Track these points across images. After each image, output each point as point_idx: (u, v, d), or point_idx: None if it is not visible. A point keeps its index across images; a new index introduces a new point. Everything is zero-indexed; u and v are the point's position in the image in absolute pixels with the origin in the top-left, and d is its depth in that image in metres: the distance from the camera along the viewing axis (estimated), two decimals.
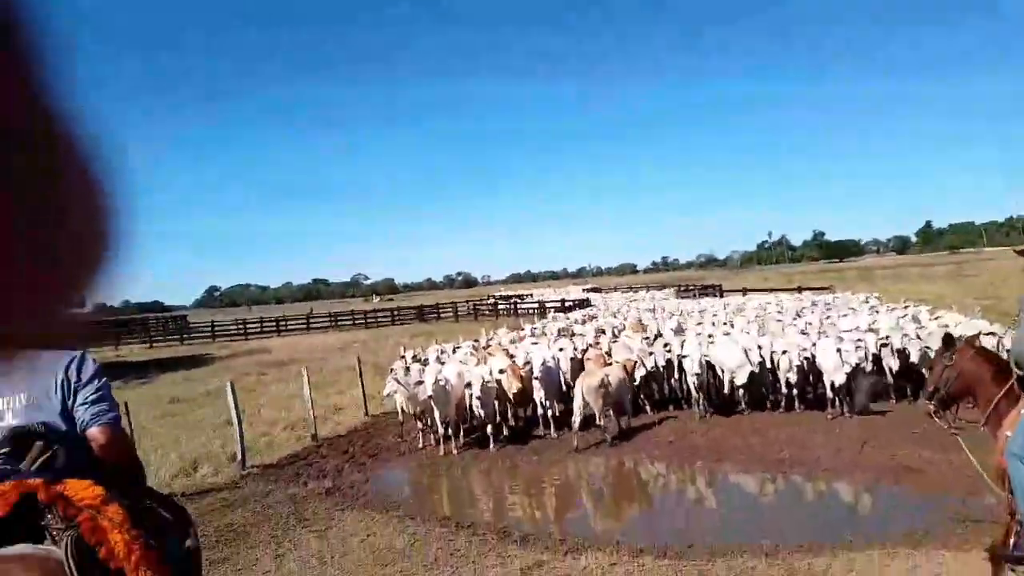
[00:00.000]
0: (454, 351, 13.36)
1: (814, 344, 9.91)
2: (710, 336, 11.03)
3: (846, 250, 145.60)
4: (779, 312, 16.06)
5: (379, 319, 42.41)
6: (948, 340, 4.19)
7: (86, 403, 2.47)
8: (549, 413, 9.94)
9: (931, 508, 6.24)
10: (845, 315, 13.71)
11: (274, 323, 40.93)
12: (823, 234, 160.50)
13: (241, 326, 40.31)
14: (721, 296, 35.22)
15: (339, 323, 42.20)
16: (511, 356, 10.67)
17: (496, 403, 10.15)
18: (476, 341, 15.18)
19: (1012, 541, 3.67)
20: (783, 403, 10.03)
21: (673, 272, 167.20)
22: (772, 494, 7.30)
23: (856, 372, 9.40)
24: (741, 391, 10.02)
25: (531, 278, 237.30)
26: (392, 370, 10.72)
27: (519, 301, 43.50)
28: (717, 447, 8.75)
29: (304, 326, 41.27)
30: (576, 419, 9.22)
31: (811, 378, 10.19)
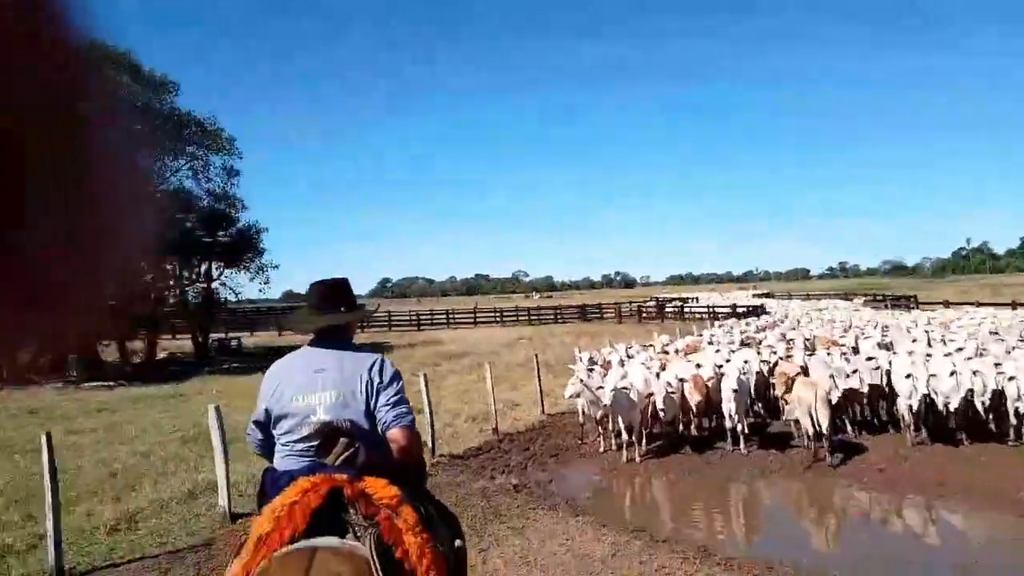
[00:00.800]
0: (628, 355, 13.12)
1: None
2: (928, 355, 9.96)
3: None
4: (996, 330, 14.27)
5: (542, 316, 43.00)
6: None
7: (388, 404, 2.59)
8: (739, 428, 9.46)
9: None
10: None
11: (444, 315, 42.70)
12: None
13: (415, 317, 42.47)
14: (917, 307, 32.09)
15: (504, 319, 43.26)
16: (698, 365, 10.26)
17: (679, 413, 9.87)
18: (651, 346, 14.85)
19: None
20: (1011, 434, 8.87)
21: (852, 279, 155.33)
22: (1008, 540, 6.44)
23: None
24: (954, 418, 9.03)
25: (692, 280, 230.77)
26: (573, 371, 10.71)
27: (682, 304, 42.28)
28: (936, 479, 7.89)
29: (472, 320, 42.73)
30: (810, 431, 8.73)
31: None
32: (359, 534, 2.20)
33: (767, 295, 55.11)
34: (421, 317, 42.56)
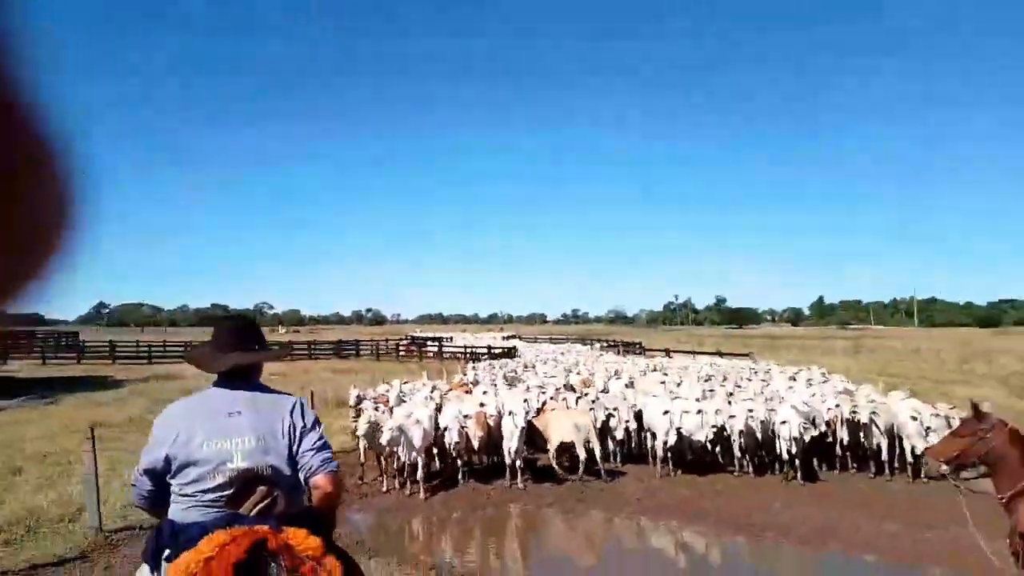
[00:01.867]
0: (402, 393, 13.15)
1: (772, 410, 10.49)
2: (673, 395, 11.46)
3: (746, 317, 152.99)
4: (723, 377, 16.85)
5: (294, 352, 41.12)
6: (978, 412, 4.57)
7: (313, 449, 2.47)
8: (518, 463, 9.98)
9: None
10: (790, 385, 14.46)
11: (182, 347, 38.86)
12: (724, 300, 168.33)
13: (145, 349, 38.14)
14: (644, 353, 36.30)
15: None
16: (481, 404, 10.66)
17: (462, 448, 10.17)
18: (427, 384, 15.06)
19: None
20: (737, 466, 10.50)
21: (583, 325, 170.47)
22: (747, 558, 7.62)
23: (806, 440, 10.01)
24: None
25: (441, 320, 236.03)
26: (354, 408, 10.57)
27: (439, 343, 43.23)
28: (684, 506, 9.06)
29: None
30: (583, 456, 9.50)
31: (762, 443, 10.69)
32: None
33: (513, 337, 58.49)
34: (153, 349, 38.29)
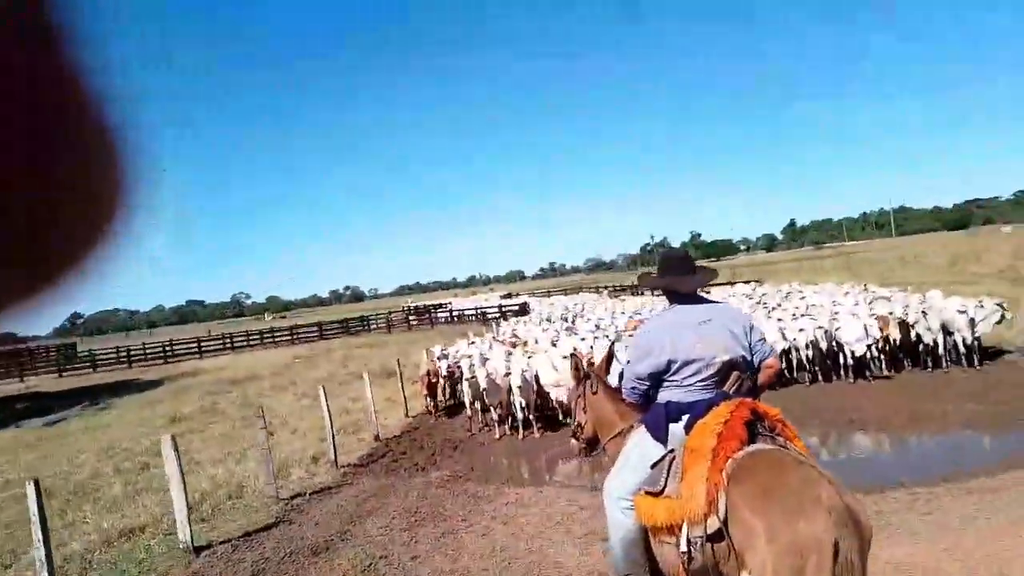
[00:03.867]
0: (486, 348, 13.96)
1: (833, 321, 11.47)
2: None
3: (722, 249, 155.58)
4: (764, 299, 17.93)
5: (306, 334, 41.59)
6: None
7: (761, 340, 3.24)
8: None
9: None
10: (834, 300, 15.46)
11: (196, 344, 39.14)
12: (700, 235, 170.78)
13: (157, 349, 38.42)
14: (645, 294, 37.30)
15: (264, 340, 41.06)
16: (575, 349, 11.46)
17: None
18: (472, 344, 15.88)
19: None
20: (809, 377, 11.55)
21: (563, 277, 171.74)
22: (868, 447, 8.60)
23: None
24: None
25: (421, 289, 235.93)
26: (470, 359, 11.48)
27: (451, 310, 43.86)
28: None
29: (222, 346, 39.78)
30: None
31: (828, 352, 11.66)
32: (770, 441, 2.88)
33: (508, 295, 59.27)
34: (175, 346, 38.55)
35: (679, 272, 3.41)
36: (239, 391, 20.68)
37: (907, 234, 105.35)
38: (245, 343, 40.81)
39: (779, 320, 12.35)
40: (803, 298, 16.88)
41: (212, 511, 8.06)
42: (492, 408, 10.73)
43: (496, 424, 10.82)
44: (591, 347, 11.66)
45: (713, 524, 2.71)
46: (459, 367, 12.00)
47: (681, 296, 3.37)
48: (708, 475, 2.75)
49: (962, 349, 11.21)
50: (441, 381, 13.00)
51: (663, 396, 3.22)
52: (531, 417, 10.57)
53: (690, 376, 3.14)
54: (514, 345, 14.39)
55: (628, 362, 3.45)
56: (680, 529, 2.83)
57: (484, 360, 11.83)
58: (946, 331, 11.32)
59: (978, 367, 11.04)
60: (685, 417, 3.04)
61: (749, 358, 3.22)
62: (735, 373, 3.15)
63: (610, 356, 4.24)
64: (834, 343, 11.33)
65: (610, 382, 4.00)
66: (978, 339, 11.19)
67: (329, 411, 10.05)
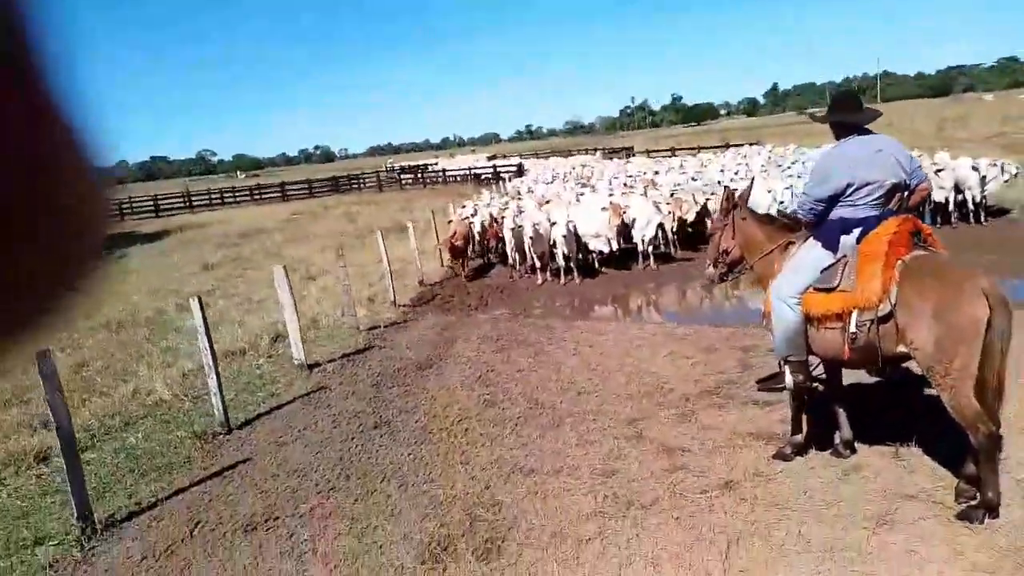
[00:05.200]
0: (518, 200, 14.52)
1: None
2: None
3: (703, 113, 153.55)
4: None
5: (295, 192, 41.46)
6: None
7: (918, 167, 3.89)
8: (649, 249, 11.67)
9: None
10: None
11: (184, 199, 38.95)
12: (680, 98, 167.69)
13: (152, 202, 38.12)
14: (635, 156, 37.52)
15: (254, 196, 40.99)
16: (610, 201, 12.09)
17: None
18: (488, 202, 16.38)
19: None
20: None
21: (540, 140, 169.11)
22: None
23: None
24: None
25: (393, 150, 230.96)
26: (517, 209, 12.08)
27: (443, 169, 43.58)
28: None
29: (209, 201, 39.69)
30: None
31: None
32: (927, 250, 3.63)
33: (494, 157, 58.79)
34: (158, 202, 38.25)
35: (851, 110, 3.99)
36: (252, 243, 21.15)
37: (891, 100, 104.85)
38: (233, 199, 40.70)
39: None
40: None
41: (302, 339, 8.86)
42: (537, 257, 11.47)
43: (539, 271, 11.61)
44: (623, 200, 12.25)
45: (884, 308, 3.52)
46: (501, 219, 12.58)
47: (849, 129, 3.95)
48: (882, 272, 3.52)
49: (971, 207, 12.06)
50: (474, 239, 13.56)
51: (836, 214, 3.89)
52: (572, 265, 11.36)
53: (864, 196, 3.80)
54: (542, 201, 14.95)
55: (804, 190, 4.08)
56: (850, 316, 3.63)
57: (520, 212, 12.41)
58: (957, 189, 12.10)
59: (984, 223, 11.96)
60: (856, 230, 3.75)
61: (909, 182, 3.87)
62: (898, 194, 3.84)
63: (749, 191, 4.84)
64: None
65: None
66: (985, 198, 12.04)
67: (387, 253, 10.72)
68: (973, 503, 3.48)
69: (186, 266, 17.21)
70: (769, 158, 19.89)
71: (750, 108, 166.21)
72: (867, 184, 3.78)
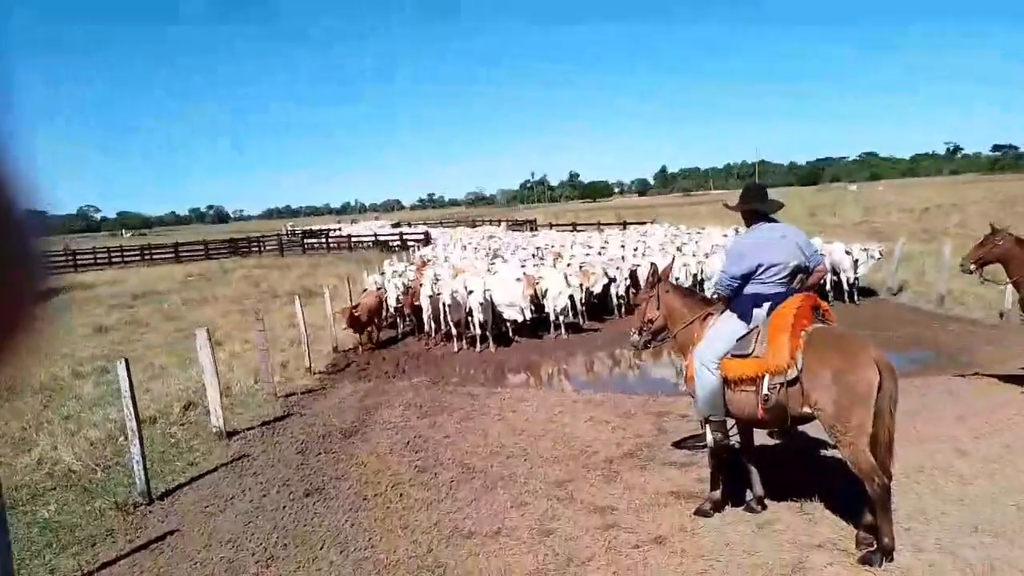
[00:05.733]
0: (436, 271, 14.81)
1: None
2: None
3: (599, 190, 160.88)
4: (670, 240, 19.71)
5: (191, 253, 40.03)
6: (994, 229, 7.07)
7: (814, 252, 4.45)
8: (562, 319, 12.22)
9: None
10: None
11: (69, 256, 36.75)
12: (578, 175, 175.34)
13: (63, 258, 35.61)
14: (537, 230, 38.87)
15: (145, 256, 39.20)
16: (524, 272, 12.61)
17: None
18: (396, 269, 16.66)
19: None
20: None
21: (442, 209, 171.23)
22: None
23: None
24: None
25: (291, 213, 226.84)
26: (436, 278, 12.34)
27: (329, 234, 43.35)
28: None
29: (105, 260, 37.73)
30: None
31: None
32: (825, 322, 4.19)
33: (396, 224, 59.21)
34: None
35: (761, 200, 4.59)
36: (148, 306, 20.26)
37: (768, 187, 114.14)
38: (121, 259, 38.82)
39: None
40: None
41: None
42: (453, 325, 11.73)
43: (455, 339, 11.86)
44: (535, 272, 12.81)
45: (792, 373, 4.02)
46: (419, 287, 12.81)
47: (758, 217, 4.54)
48: (789, 341, 4.04)
49: (845, 287, 13.41)
50: (387, 309, 13.66)
51: (748, 290, 4.42)
52: (487, 333, 11.69)
53: (772, 275, 4.35)
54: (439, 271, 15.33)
55: (722, 268, 4.60)
56: (763, 379, 4.11)
57: (437, 280, 12.70)
58: (833, 271, 13.44)
59: (857, 303, 13.29)
60: (767, 304, 4.29)
61: (808, 264, 4.47)
62: (800, 275, 4.43)
63: (670, 267, 5.36)
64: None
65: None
66: (858, 279, 13.43)
67: (304, 320, 10.68)
68: (871, 549, 3.96)
69: (77, 328, 16.25)
70: (665, 235, 21.30)
71: (641, 187, 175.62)
72: (774, 265, 4.36)
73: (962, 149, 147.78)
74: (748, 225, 4.62)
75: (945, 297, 12.59)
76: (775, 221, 4.61)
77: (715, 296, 4.77)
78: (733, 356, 4.35)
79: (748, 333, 4.34)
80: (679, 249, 15.99)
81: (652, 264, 5.69)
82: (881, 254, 13.77)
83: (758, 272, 4.39)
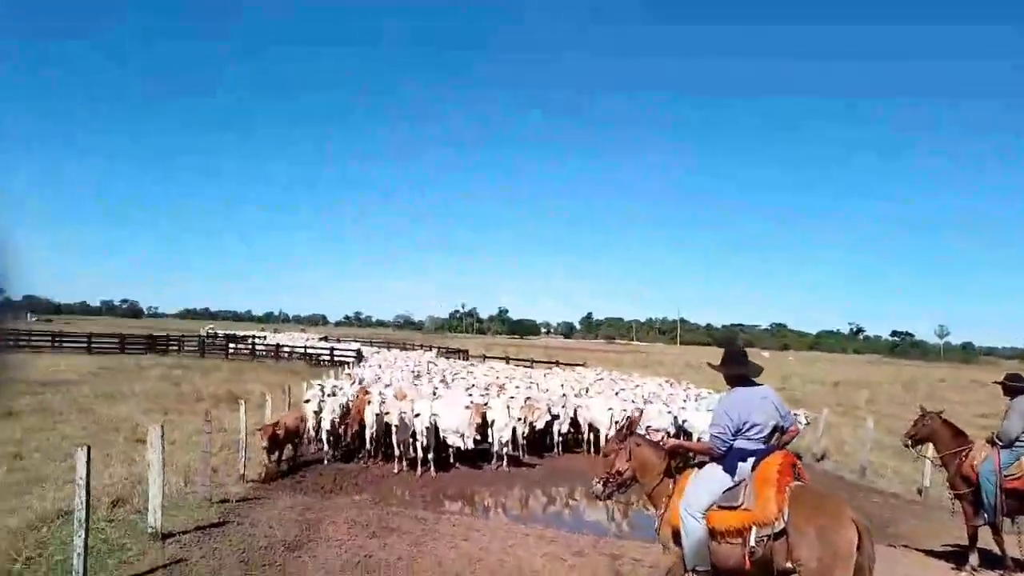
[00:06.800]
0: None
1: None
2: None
3: (527, 328, 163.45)
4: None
5: (98, 345, 38.06)
6: (924, 411, 7.76)
7: (788, 413, 4.87)
8: (506, 450, 12.24)
9: None
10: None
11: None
12: (507, 311, 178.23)
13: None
14: (468, 359, 39.08)
15: (55, 345, 37.06)
16: (471, 400, 12.71)
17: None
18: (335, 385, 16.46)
19: None
20: None
21: (369, 328, 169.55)
22: None
23: None
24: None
25: (209, 315, 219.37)
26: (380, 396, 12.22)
27: (276, 344, 42.23)
28: None
29: (25, 343, 35.39)
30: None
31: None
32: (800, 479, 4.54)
33: (324, 339, 58.43)
34: None
35: (742, 364, 5.00)
36: (59, 394, 19.06)
37: (687, 344, 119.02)
38: (28, 343, 36.48)
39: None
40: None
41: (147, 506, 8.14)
42: (397, 444, 11.59)
43: (397, 460, 11.68)
44: (481, 400, 12.94)
45: (779, 525, 4.28)
46: (365, 405, 12.63)
47: (740, 379, 4.95)
48: (776, 495, 4.34)
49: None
50: (319, 427, 13.05)
51: (736, 444, 4.74)
52: (430, 456, 11.57)
53: (755, 433, 4.72)
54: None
55: (716, 426, 4.87)
56: (749, 531, 4.36)
57: (383, 400, 12.61)
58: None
59: None
60: (751, 459, 4.62)
61: (784, 424, 4.87)
62: (778, 434, 4.81)
63: (638, 420, 5.67)
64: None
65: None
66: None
67: (245, 426, 10.36)
68: None
69: None
70: (600, 378, 21.89)
71: (567, 331, 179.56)
72: (756, 424, 4.74)
73: (864, 331, 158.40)
74: (731, 386, 5.02)
75: (867, 469, 13.22)
76: (755, 383, 5.03)
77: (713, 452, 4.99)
78: (720, 507, 4.59)
79: (736, 486, 4.62)
80: (616, 394, 16.45)
81: (628, 416, 6.01)
82: (808, 421, 14.52)
83: (744, 429, 4.75)
